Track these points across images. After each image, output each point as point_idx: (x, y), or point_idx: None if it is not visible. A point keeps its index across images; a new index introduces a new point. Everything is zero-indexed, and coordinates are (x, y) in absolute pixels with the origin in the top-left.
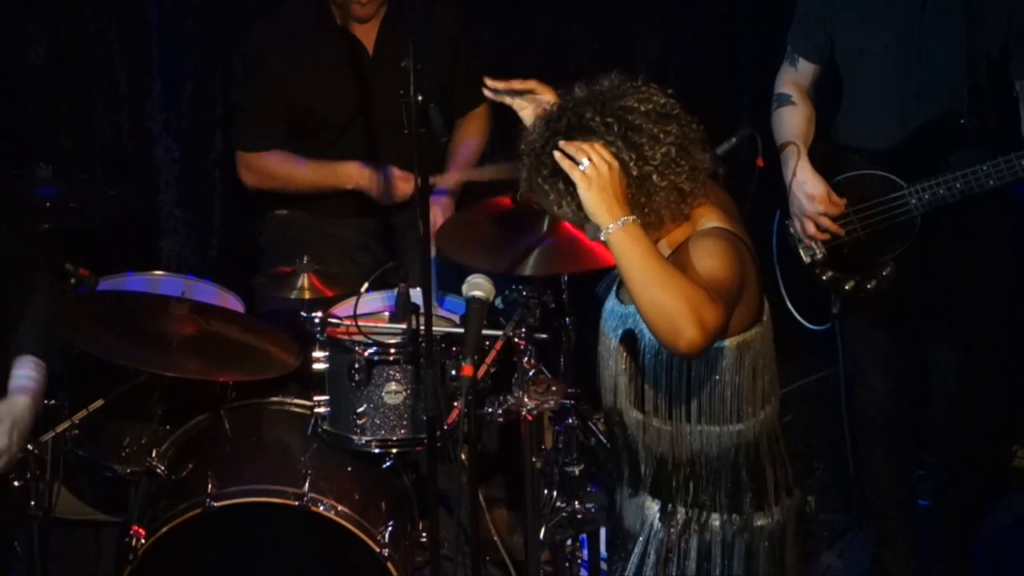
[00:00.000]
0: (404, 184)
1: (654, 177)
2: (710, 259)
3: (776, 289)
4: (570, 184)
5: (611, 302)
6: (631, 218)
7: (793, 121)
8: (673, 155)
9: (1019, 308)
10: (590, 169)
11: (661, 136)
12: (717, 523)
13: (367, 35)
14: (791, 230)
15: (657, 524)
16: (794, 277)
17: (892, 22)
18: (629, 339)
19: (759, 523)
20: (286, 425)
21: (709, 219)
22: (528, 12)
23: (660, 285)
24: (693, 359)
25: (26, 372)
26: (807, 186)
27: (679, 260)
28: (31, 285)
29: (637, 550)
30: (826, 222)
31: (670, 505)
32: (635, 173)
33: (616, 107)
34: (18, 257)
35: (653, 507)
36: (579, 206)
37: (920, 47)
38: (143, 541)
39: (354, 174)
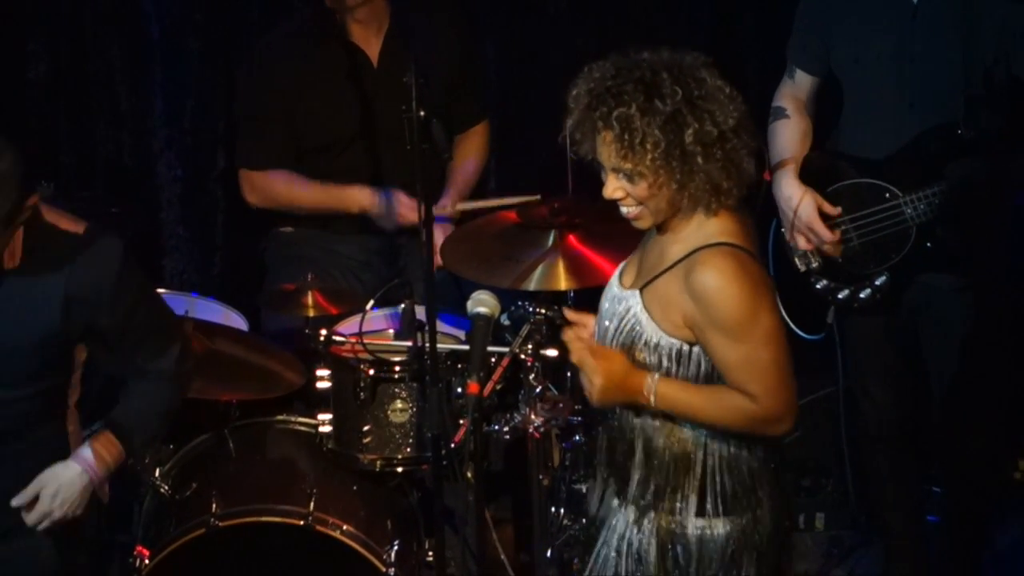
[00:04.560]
0: (409, 211)
1: (697, 159)
2: (740, 318)
3: None
4: (627, 127)
5: (612, 288)
6: (653, 382)
7: (785, 135)
8: (728, 139)
9: (1018, 319)
10: (588, 383)
11: (722, 116)
12: (665, 522)
13: (371, 46)
14: (787, 238)
15: (618, 516)
16: (789, 286)
17: (885, 30)
18: (620, 322)
19: (716, 530)
20: (291, 444)
21: (721, 229)
22: (532, 26)
23: (721, 420)
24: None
25: (94, 444)
26: (792, 201)
27: (690, 284)
28: (143, 372)
29: (598, 543)
30: (821, 234)
31: (631, 499)
32: (688, 144)
33: (690, 75)
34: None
35: (616, 499)
36: (630, 151)
37: (912, 54)
38: (147, 561)
39: (360, 198)
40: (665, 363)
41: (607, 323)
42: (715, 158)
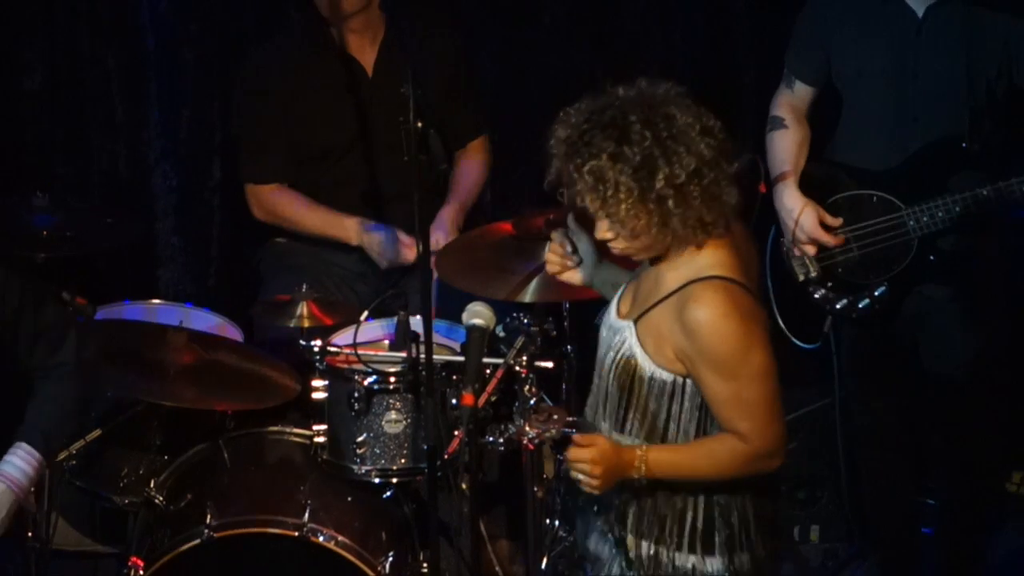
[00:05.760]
0: (408, 250)
1: (670, 203)
2: (730, 358)
3: (768, 306)
4: (599, 178)
5: (610, 315)
6: (642, 453)
7: (784, 145)
8: (704, 174)
9: (1016, 332)
10: (586, 480)
11: (693, 154)
12: (656, 557)
13: (366, 56)
14: (785, 247)
15: (612, 550)
16: (786, 295)
17: (887, 44)
18: (615, 354)
19: (708, 568)
20: (285, 454)
21: (713, 261)
22: (528, 38)
23: (716, 471)
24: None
25: (13, 459)
26: (794, 213)
27: (682, 319)
28: (46, 370)
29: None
30: (825, 242)
31: (623, 532)
32: (660, 188)
33: (661, 114)
34: (32, 341)
35: (608, 532)
36: (604, 202)
37: (916, 69)
38: (142, 572)
39: (359, 233)
40: (658, 396)
41: (603, 352)
42: (692, 196)
